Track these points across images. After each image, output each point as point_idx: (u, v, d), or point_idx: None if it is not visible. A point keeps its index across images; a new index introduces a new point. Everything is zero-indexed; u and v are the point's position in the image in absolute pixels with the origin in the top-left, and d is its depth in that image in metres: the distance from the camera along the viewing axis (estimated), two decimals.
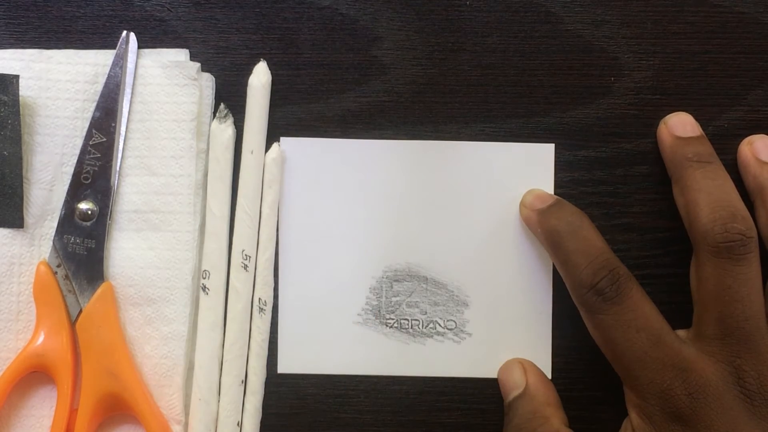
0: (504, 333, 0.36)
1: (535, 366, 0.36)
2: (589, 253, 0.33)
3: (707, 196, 0.33)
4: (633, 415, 0.33)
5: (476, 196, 0.36)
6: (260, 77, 0.35)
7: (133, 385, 0.34)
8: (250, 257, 0.35)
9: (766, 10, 0.36)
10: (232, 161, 0.36)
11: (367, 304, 0.36)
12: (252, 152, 0.35)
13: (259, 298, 0.36)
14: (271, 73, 0.36)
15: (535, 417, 0.34)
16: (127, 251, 0.35)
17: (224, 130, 0.35)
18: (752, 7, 0.36)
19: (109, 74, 0.35)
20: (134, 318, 0.35)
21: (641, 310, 0.32)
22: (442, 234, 0.36)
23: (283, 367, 0.36)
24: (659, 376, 0.31)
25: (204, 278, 0.35)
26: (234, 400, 0.35)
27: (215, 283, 0.35)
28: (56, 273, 0.35)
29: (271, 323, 0.36)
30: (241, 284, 0.35)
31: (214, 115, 0.36)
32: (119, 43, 0.35)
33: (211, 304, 0.35)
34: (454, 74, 0.36)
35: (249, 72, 0.36)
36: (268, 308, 0.36)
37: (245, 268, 0.35)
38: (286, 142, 0.36)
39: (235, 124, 0.36)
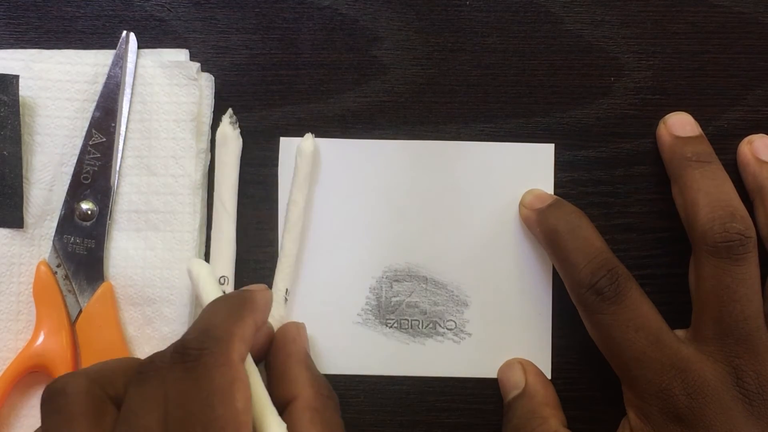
0: (504, 333, 0.36)
1: (534, 366, 0.36)
2: (587, 253, 0.33)
3: (706, 196, 0.33)
4: (631, 414, 0.33)
5: (476, 196, 0.36)
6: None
7: None
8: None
9: (766, 10, 0.36)
10: (238, 166, 0.36)
11: (367, 304, 0.36)
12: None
13: (287, 289, 0.36)
14: (271, 73, 0.36)
15: (534, 417, 0.34)
16: (127, 251, 0.35)
17: (234, 135, 0.35)
18: (752, 7, 0.36)
19: (109, 74, 0.35)
20: (134, 318, 0.35)
21: (640, 310, 0.32)
22: (442, 234, 0.36)
23: None
24: (658, 376, 0.31)
25: (222, 284, 0.35)
26: None
27: (228, 287, 0.35)
28: (56, 273, 0.35)
29: None
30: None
31: (215, 116, 0.36)
32: (119, 43, 0.35)
33: None
34: (454, 74, 0.36)
35: (249, 72, 0.36)
36: (290, 298, 0.36)
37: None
38: (286, 142, 0.36)
39: (240, 127, 0.36)
